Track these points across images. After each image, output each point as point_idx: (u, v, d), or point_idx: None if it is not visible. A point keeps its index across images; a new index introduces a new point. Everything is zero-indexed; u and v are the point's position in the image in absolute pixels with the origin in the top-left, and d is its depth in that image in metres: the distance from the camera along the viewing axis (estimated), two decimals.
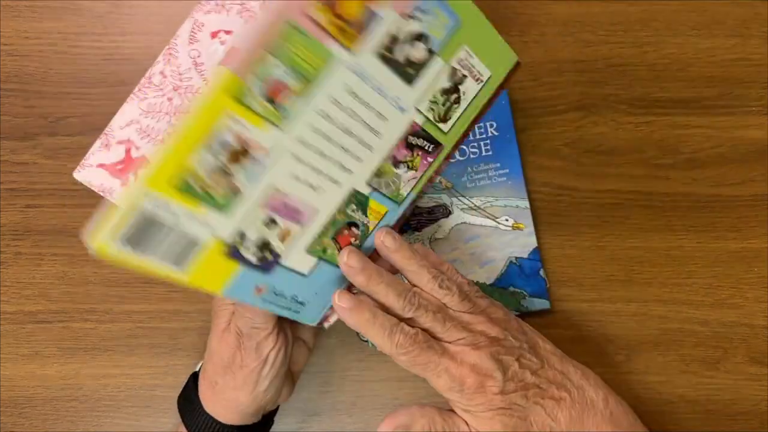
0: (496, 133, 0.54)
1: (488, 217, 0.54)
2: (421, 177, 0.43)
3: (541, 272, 0.53)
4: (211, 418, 0.45)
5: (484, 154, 0.54)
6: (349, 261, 0.41)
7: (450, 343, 0.42)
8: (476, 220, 0.54)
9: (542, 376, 0.43)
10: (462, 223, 0.54)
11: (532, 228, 0.54)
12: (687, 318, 0.54)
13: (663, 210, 0.54)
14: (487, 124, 0.54)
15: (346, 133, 0.37)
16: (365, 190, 0.40)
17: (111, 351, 0.54)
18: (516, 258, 0.53)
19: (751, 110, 0.55)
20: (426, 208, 0.54)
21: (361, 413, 0.54)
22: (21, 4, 0.53)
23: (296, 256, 0.39)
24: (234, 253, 0.36)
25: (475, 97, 0.42)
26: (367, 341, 0.53)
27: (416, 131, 0.40)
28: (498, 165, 0.54)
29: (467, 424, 0.42)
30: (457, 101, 0.41)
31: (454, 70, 0.40)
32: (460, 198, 0.54)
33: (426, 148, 0.42)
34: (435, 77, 0.39)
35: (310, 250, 0.40)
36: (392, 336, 0.40)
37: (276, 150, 0.35)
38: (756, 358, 0.54)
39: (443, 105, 0.41)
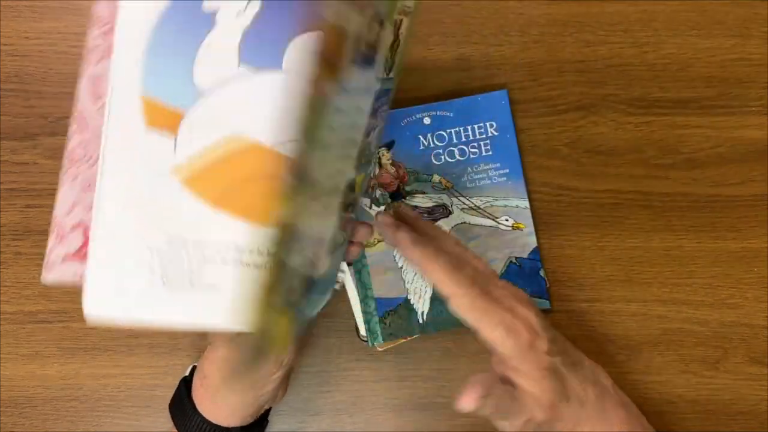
0: (496, 133, 0.54)
1: (488, 217, 0.54)
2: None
3: (541, 272, 0.53)
4: (206, 421, 0.44)
5: (484, 154, 0.54)
6: (403, 210, 0.41)
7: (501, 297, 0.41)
8: (476, 220, 0.54)
9: (570, 350, 0.44)
10: (462, 223, 0.54)
11: (532, 228, 0.54)
12: (687, 318, 0.54)
13: (663, 210, 0.54)
14: (487, 124, 0.54)
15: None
16: (354, 173, 0.38)
17: (111, 351, 0.54)
18: (516, 258, 0.53)
19: (751, 110, 0.55)
20: (426, 208, 0.54)
21: (361, 413, 0.54)
22: (21, 5, 0.53)
23: (323, 267, 0.38)
24: (297, 311, 0.35)
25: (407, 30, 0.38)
26: (367, 341, 0.53)
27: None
28: (498, 165, 0.54)
29: (515, 387, 0.41)
30: (398, 45, 0.37)
31: (396, 23, 0.36)
32: (460, 198, 0.54)
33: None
34: (385, 43, 0.36)
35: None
36: (455, 272, 0.39)
37: None
38: (756, 358, 0.54)
39: (391, 58, 0.37)
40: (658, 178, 0.54)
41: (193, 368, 0.49)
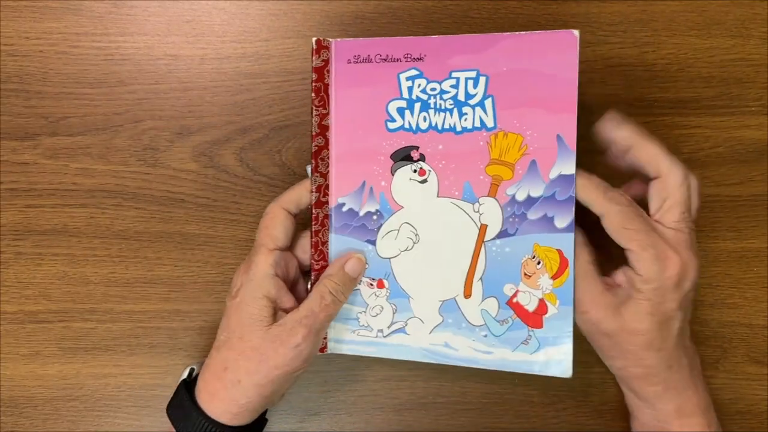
0: None
1: None
2: None
3: None
4: (210, 421, 0.44)
5: None
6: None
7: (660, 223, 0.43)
8: None
9: (688, 317, 0.44)
10: None
11: None
12: None
13: None
14: None
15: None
16: None
17: (111, 351, 0.54)
18: None
19: (751, 110, 0.55)
20: None
21: (361, 413, 0.54)
22: (21, 5, 0.53)
23: None
24: None
25: None
26: None
27: None
28: None
29: (625, 301, 0.43)
30: None
31: None
32: None
33: None
34: None
35: None
36: (608, 191, 0.43)
37: None
38: (755, 358, 0.54)
39: None
40: None
41: (191, 371, 0.48)
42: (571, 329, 0.44)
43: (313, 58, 0.47)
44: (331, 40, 0.47)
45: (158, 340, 0.54)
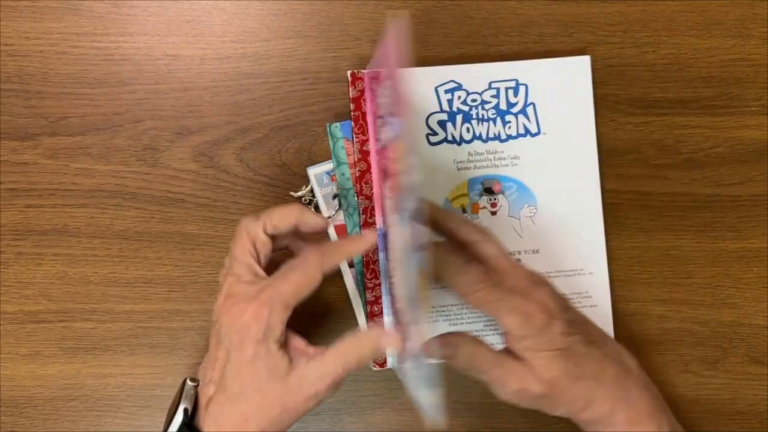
0: None
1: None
2: None
3: None
4: None
5: None
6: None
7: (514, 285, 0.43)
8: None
9: (590, 329, 0.45)
10: None
11: None
12: (686, 318, 0.54)
13: (662, 210, 0.54)
14: None
15: None
16: None
17: (111, 351, 0.54)
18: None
19: (750, 110, 0.55)
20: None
21: (361, 413, 0.54)
22: (22, 5, 0.53)
23: None
24: None
25: None
26: None
27: None
28: None
29: (524, 364, 0.42)
30: None
31: None
32: None
33: None
34: None
35: None
36: (465, 273, 0.42)
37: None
38: (755, 358, 0.54)
39: None
40: (657, 178, 0.54)
41: (185, 410, 0.43)
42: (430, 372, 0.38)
43: (350, 89, 0.50)
44: (364, 71, 0.49)
45: (158, 340, 0.54)
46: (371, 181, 0.50)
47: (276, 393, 0.40)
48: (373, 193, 0.50)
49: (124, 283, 0.54)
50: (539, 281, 0.44)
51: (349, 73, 0.49)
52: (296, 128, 0.54)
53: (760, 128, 0.55)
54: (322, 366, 0.40)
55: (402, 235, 0.39)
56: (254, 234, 0.42)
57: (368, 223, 0.50)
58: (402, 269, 0.40)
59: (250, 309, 0.40)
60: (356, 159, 0.50)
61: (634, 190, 0.54)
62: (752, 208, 0.54)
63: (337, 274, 0.53)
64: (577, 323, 0.44)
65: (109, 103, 0.54)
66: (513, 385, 0.42)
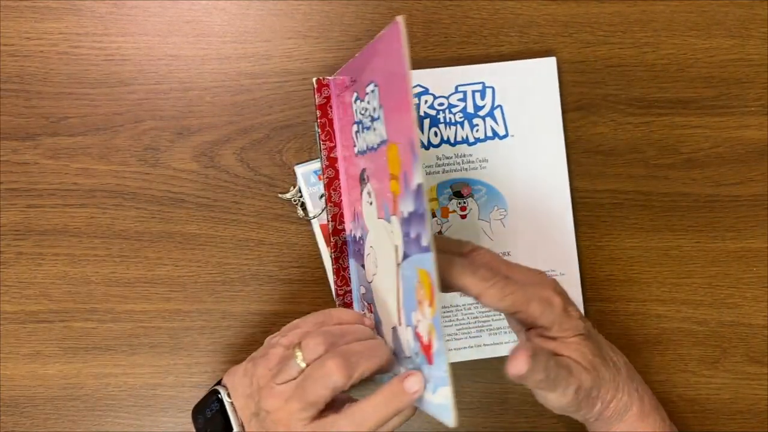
0: None
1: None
2: None
3: None
4: None
5: None
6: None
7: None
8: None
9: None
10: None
11: None
12: (686, 317, 0.54)
13: (662, 210, 0.54)
14: None
15: None
16: None
17: (112, 350, 0.54)
18: None
19: (750, 110, 0.55)
20: None
21: None
22: (22, 5, 0.53)
23: None
24: None
25: None
26: None
27: None
28: None
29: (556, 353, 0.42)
30: None
31: None
32: None
33: None
34: None
35: None
36: (474, 271, 0.40)
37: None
38: (755, 358, 0.54)
39: None
40: (657, 178, 0.54)
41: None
42: (446, 370, 0.35)
43: (316, 96, 0.49)
44: (330, 78, 0.49)
45: (159, 339, 0.54)
46: (339, 188, 0.49)
47: None
48: (341, 200, 0.49)
49: (125, 283, 0.54)
50: (540, 272, 0.44)
51: (314, 79, 0.48)
52: (296, 128, 0.54)
53: (760, 128, 0.55)
54: (353, 415, 0.39)
55: (392, 239, 0.39)
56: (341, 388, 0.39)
57: (337, 230, 0.49)
58: (390, 272, 0.39)
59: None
60: (324, 166, 0.49)
61: (634, 189, 0.54)
62: (752, 208, 0.54)
63: (322, 280, 0.53)
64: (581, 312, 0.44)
65: (110, 103, 0.54)
66: (572, 383, 0.40)
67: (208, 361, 0.54)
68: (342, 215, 0.50)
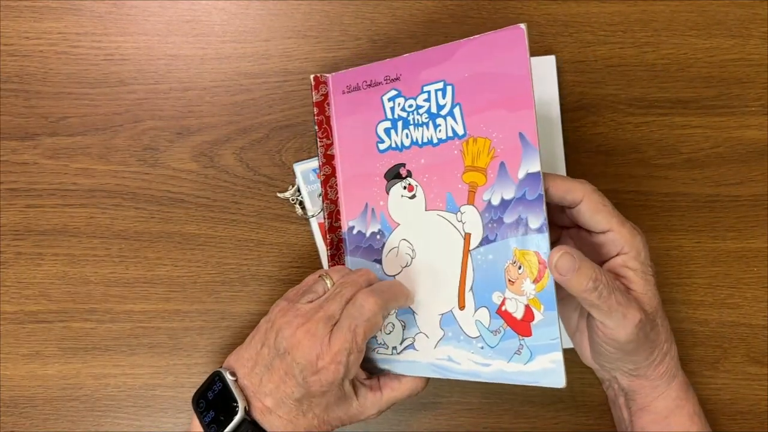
0: None
1: None
2: None
3: None
4: None
5: None
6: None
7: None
8: None
9: None
10: None
11: None
12: (686, 318, 0.54)
13: (662, 210, 0.54)
14: None
15: None
16: None
17: (111, 351, 0.54)
18: None
19: (750, 110, 0.55)
20: None
21: None
22: (22, 5, 0.53)
23: None
24: None
25: None
26: None
27: None
28: None
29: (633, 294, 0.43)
30: None
31: None
32: None
33: None
34: None
35: None
36: (574, 180, 0.42)
37: None
38: (755, 358, 0.54)
39: None
40: (657, 178, 0.54)
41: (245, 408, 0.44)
42: (558, 336, 0.41)
43: (313, 93, 0.50)
44: (328, 75, 0.50)
45: (158, 340, 0.54)
46: (336, 185, 0.50)
47: (338, 414, 0.44)
48: (338, 197, 0.50)
49: (124, 283, 0.54)
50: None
51: (312, 77, 0.49)
52: (296, 128, 0.54)
53: (760, 128, 0.55)
54: (379, 402, 0.46)
55: (458, 228, 0.44)
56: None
57: (333, 227, 0.50)
58: (450, 260, 0.44)
59: (328, 357, 0.41)
60: (321, 163, 0.50)
61: (634, 189, 0.54)
62: (752, 208, 0.54)
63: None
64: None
65: (109, 103, 0.54)
66: (636, 315, 0.40)
67: (208, 361, 0.54)
68: (338, 213, 0.50)
